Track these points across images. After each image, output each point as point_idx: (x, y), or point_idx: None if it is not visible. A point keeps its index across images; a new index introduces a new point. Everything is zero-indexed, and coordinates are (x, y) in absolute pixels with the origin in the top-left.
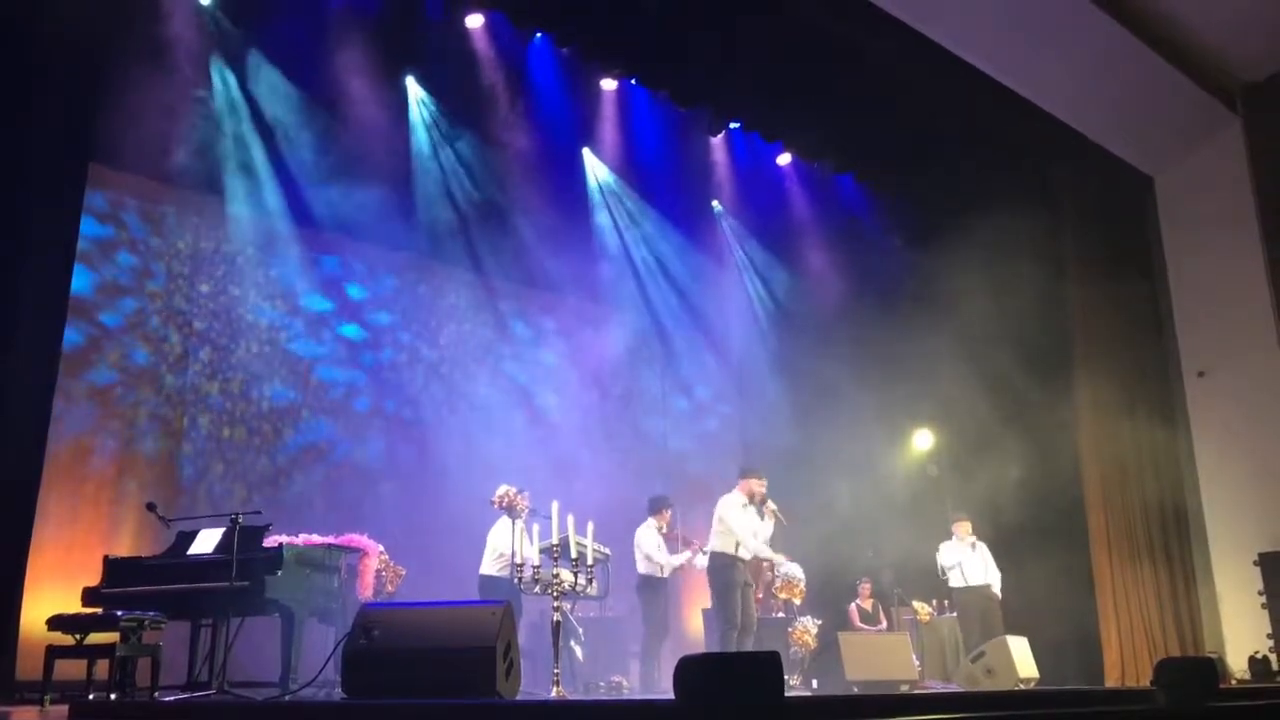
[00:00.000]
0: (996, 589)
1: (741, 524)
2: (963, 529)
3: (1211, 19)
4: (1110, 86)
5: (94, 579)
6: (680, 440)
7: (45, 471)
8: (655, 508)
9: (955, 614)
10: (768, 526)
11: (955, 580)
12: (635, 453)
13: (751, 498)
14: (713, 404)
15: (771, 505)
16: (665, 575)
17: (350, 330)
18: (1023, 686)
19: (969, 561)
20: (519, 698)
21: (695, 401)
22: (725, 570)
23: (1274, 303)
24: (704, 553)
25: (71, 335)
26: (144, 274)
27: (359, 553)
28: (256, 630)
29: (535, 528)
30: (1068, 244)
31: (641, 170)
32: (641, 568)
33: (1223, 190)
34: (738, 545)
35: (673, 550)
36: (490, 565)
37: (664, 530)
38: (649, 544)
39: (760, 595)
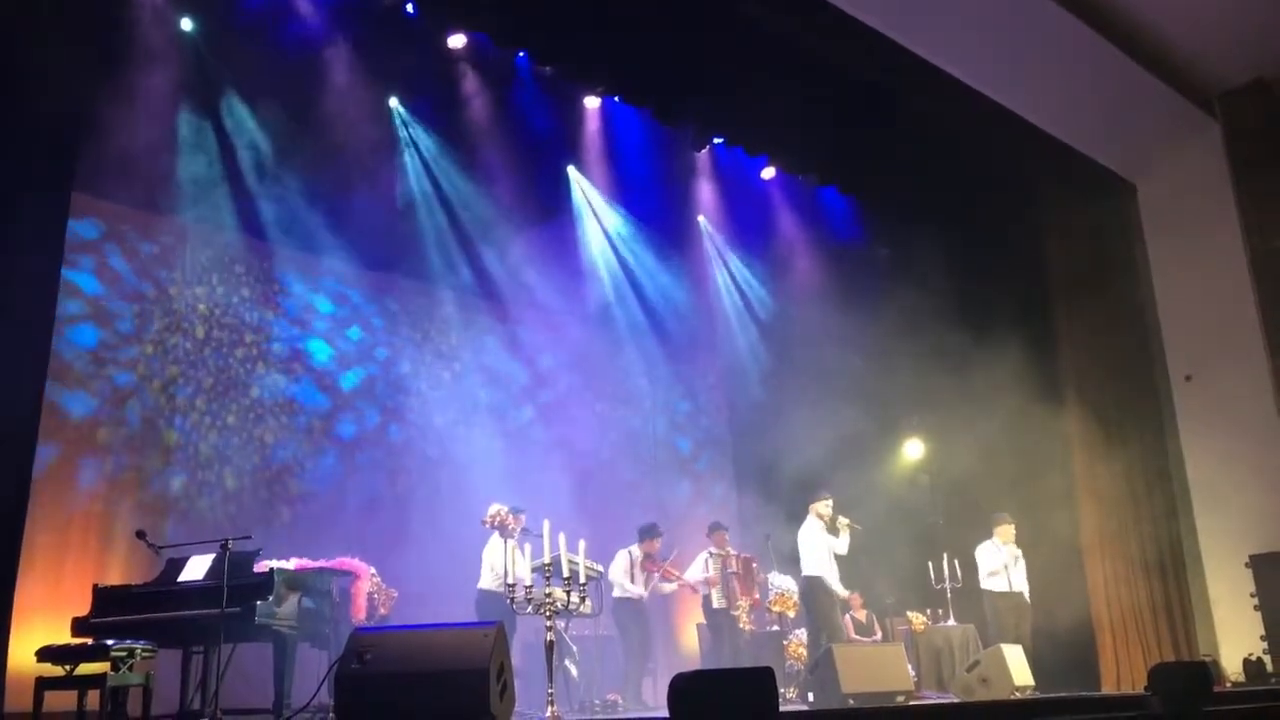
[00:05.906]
0: (1028, 596)
1: (817, 547)
2: (1004, 532)
3: (1189, 27)
4: (1091, 95)
5: (83, 609)
6: (669, 454)
7: (31, 501)
8: (642, 536)
9: (979, 619)
10: (844, 541)
11: (997, 584)
12: (626, 467)
13: (821, 519)
14: (700, 417)
15: (843, 520)
16: (642, 594)
17: (337, 353)
18: (1018, 695)
19: (1010, 566)
20: (514, 719)
21: (683, 415)
22: (816, 591)
23: (1258, 304)
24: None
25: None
26: (127, 299)
27: (350, 576)
28: (248, 656)
29: (527, 546)
30: (1053, 250)
31: (626, 186)
32: (616, 590)
33: (1205, 195)
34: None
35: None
36: (488, 580)
37: (640, 560)
38: (615, 571)
39: (756, 597)
